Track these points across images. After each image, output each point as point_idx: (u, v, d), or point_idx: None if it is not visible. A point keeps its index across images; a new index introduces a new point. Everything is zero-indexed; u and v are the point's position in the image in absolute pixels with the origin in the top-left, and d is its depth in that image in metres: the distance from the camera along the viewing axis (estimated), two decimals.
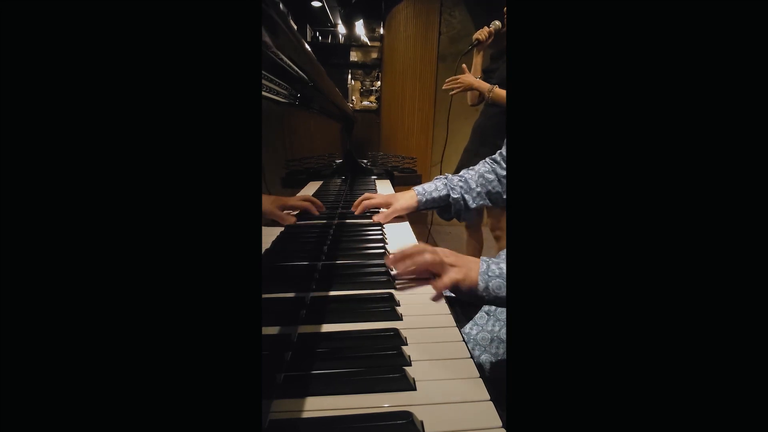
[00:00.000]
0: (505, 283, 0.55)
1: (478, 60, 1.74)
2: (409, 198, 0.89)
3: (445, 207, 0.91)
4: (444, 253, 0.60)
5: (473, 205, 0.89)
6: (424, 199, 0.88)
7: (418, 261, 0.59)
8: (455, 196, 0.88)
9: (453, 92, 1.68)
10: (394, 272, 0.61)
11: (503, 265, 0.56)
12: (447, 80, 1.68)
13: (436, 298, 0.56)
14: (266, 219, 0.49)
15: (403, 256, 0.61)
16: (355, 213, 0.94)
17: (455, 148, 1.96)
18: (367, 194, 0.95)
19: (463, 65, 1.66)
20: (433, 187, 0.89)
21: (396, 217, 0.91)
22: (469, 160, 1.75)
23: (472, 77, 1.64)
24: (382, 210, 0.94)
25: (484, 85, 1.62)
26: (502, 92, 1.60)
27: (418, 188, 0.90)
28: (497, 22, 1.67)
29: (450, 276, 0.56)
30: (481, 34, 1.67)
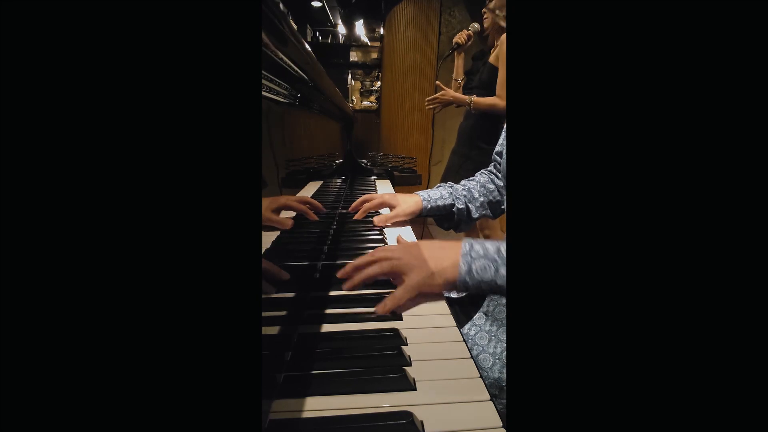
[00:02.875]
0: (491, 264, 0.48)
1: (459, 62, 1.78)
2: (413, 204, 0.87)
3: (447, 216, 0.89)
4: (403, 248, 0.53)
5: (476, 215, 0.88)
6: (429, 206, 0.86)
7: (368, 274, 0.52)
8: (460, 207, 0.87)
9: (436, 111, 1.77)
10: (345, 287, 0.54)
11: (489, 245, 0.50)
12: (426, 99, 1.76)
13: (381, 309, 0.49)
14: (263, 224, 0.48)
15: (354, 268, 0.54)
16: (356, 218, 0.90)
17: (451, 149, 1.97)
18: (365, 196, 0.92)
19: (437, 82, 1.75)
20: (438, 195, 0.87)
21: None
22: (456, 162, 1.78)
23: (450, 93, 1.71)
24: (382, 211, 0.92)
25: (464, 98, 1.67)
26: (481, 100, 1.63)
27: (423, 194, 0.88)
28: (476, 25, 1.71)
29: (407, 284, 0.49)
30: (461, 37, 1.72)
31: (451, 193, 0.88)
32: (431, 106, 1.74)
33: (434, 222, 0.94)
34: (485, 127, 1.68)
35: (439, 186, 0.91)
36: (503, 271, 0.48)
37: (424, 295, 0.52)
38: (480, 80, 1.68)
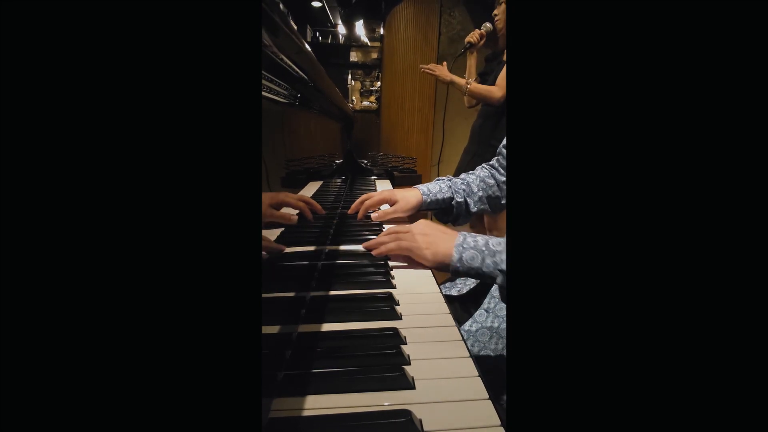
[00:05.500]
0: (479, 255, 0.57)
1: (472, 62, 1.76)
2: (413, 198, 0.87)
3: (447, 209, 0.90)
4: (419, 229, 0.65)
5: (474, 209, 0.88)
6: (429, 200, 0.87)
7: (390, 248, 0.66)
8: (459, 200, 0.87)
9: (423, 71, 1.80)
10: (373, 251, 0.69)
11: (479, 239, 0.59)
12: (421, 66, 1.78)
13: (371, 248, 0.67)
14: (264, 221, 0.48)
15: (361, 202, 0.72)
16: (358, 218, 0.90)
17: (454, 148, 1.96)
18: (364, 196, 0.92)
19: (444, 63, 1.77)
20: (437, 189, 0.88)
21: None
22: (468, 161, 1.77)
23: (447, 72, 1.72)
24: (383, 207, 0.91)
25: (461, 81, 1.68)
26: (480, 86, 1.63)
27: (422, 188, 0.88)
28: (488, 24, 1.71)
29: (399, 245, 0.64)
30: (473, 36, 1.71)
31: (450, 186, 0.88)
32: (426, 70, 1.78)
33: (435, 216, 0.94)
34: (499, 125, 1.67)
35: (438, 179, 0.91)
36: (488, 261, 0.57)
37: (412, 261, 0.65)
38: (495, 79, 1.67)
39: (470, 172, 0.93)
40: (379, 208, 0.92)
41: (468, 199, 0.88)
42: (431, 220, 0.88)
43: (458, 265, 0.58)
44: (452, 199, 0.87)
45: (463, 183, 0.90)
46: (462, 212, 0.89)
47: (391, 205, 0.88)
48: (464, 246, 0.58)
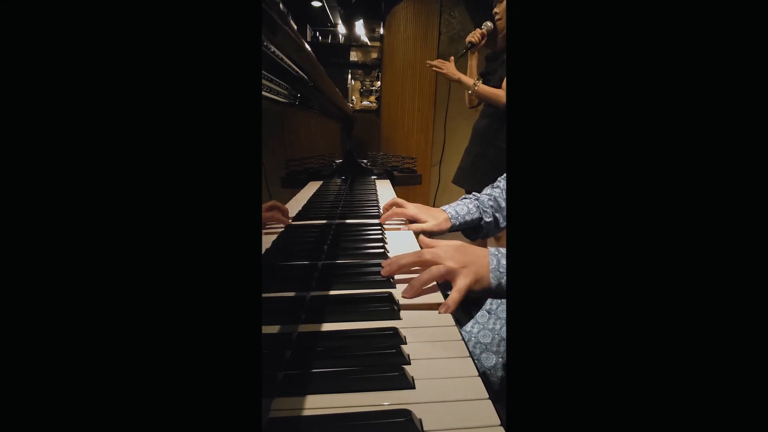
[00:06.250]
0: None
1: (473, 62, 1.75)
2: (443, 221, 0.85)
3: (475, 228, 0.89)
4: (446, 253, 0.57)
5: (504, 224, 0.87)
6: (458, 223, 0.86)
7: (424, 280, 0.56)
8: (488, 220, 0.86)
9: (430, 67, 1.75)
10: (402, 299, 0.56)
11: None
12: (427, 62, 1.74)
13: (446, 310, 0.52)
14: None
15: (400, 267, 0.59)
16: (381, 219, 0.90)
17: (455, 148, 1.96)
18: (397, 200, 0.92)
19: (451, 58, 1.73)
20: (465, 210, 0.86)
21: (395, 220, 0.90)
22: (470, 161, 1.77)
23: (455, 69, 1.68)
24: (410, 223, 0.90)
25: (468, 80, 1.65)
26: (487, 89, 1.62)
27: (450, 211, 0.86)
28: (489, 23, 1.70)
29: (460, 286, 0.54)
30: (474, 36, 1.70)
31: (477, 206, 0.87)
32: (433, 66, 1.73)
33: (463, 235, 0.92)
34: (504, 126, 1.66)
35: (464, 198, 0.90)
36: None
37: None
38: (500, 78, 1.67)
39: (494, 185, 0.91)
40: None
41: (497, 215, 0.87)
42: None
43: (497, 291, 0.56)
44: (481, 219, 0.86)
45: (490, 199, 0.88)
46: (491, 229, 0.88)
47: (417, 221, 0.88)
48: (501, 271, 0.55)
